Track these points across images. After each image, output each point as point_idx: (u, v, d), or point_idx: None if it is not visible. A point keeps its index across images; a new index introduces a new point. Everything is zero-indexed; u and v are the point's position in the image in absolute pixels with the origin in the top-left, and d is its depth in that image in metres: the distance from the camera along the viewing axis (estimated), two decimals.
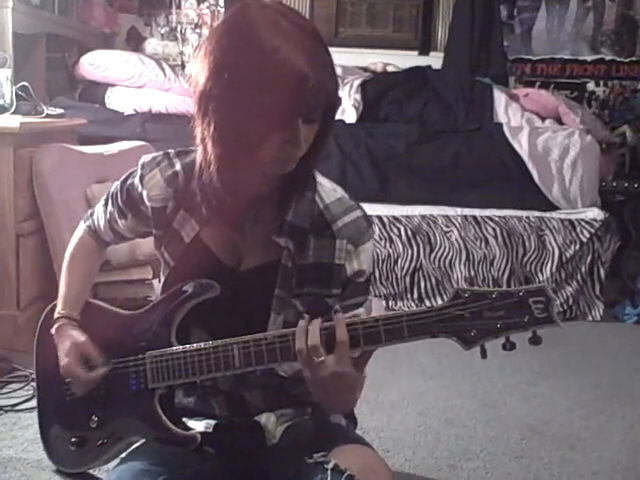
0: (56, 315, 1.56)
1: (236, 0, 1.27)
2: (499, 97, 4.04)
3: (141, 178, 1.42)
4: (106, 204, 1.54)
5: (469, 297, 1.15)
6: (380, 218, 3.48)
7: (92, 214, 1.59)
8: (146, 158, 1.44)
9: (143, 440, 1.45)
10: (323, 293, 1.35)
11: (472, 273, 3.50)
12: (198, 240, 1.37)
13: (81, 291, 1.59)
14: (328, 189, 1.38)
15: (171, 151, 1.43)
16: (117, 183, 1.50)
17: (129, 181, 1.46)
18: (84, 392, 1.48)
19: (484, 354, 1.16)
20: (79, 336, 1.49)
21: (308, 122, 1.19)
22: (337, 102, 1.26)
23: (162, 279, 1.44)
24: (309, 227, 1.33)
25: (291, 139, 1.17)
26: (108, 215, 1.54)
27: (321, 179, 1.39)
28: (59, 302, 1.58)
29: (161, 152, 1.44)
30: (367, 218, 1.39)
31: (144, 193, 1.41)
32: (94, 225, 1.59)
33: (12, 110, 2.91)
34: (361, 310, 1.35)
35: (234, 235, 1.35)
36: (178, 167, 1.39)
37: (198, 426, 1.41)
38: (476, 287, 1.17)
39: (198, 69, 1.20)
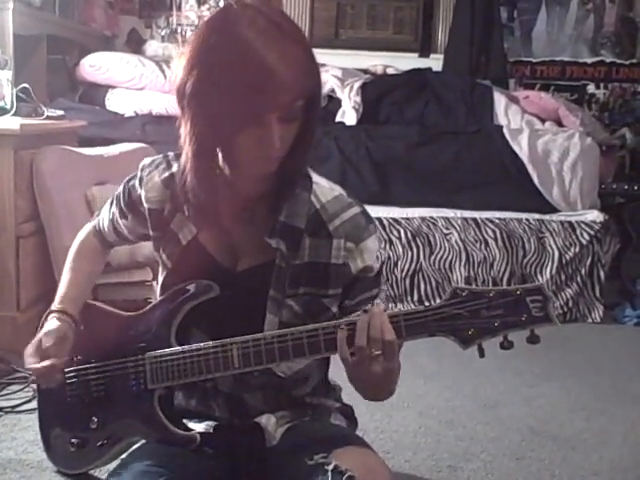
0: (50, 309, 1.54)
1: None
2: (499, 99, 4.05)
3: (140, 180, 1.44)
4: (111, 205, 1.55)
5: (466, 296, 1.16)
6: (380, 220, 3.48)
7: (99, 214, 1.61)
8: (146, 160, 1.45)
9: (143, 441, 1.45)
10: (319, 293, 1.34)
11: (472, 275, 3.51)
12: (195, 242, 1.38)
13: (81, 289, 1.59)
14: (325, 188, 1.37)
15: (171, 153, 1.43)
16: (122, 184, 1.51)
17: (131, 182, 1.48)
18: (46, 385, 1.50)
19: (482, 353, 1.17)
20: (51, 325, 1.48)
21: (285, 121, 1.17)
22: (319, 101, 1.25)
23: (160, 281, 1.45)
24: (304, 227, 1.32)
25: (264, 137, 1.16)
26: (112, 215, 1.55)
27: (318, 179, 1.37)
28: (56, 298, 1.56)
29: (161, 155, 1.45)
30: (366, 214, 1.37)
31: (142, 195, 1.42)
32: (99, 225, 1.60)
33: (12, 112, 2.91)
34: (378, 301, 1.35)
35: (228, 237, 1.36)
36: (175, 169, 1.40)
37: (198, 427, 1.41)
38: (474, 286, 1.17)
39: (176, 68, 1.21)
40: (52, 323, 1.50)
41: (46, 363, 1.43)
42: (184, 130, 1.23)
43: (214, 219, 1.33)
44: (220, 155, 1.24)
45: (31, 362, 1.45)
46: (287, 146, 1.21)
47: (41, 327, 1.66)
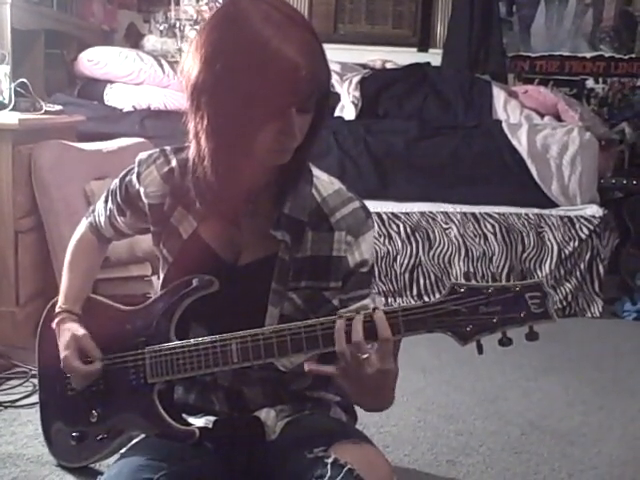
0: (57, 309, 1.57)
1: None
2: (498, 94, 4.05)
3: (138, 175, 1.43)
4: (106, 201, 1.54)
5: (465, 292, 1.15)
6: (379, 215, 3.48)
7: (93, 210, 1.60)
8: (142, 155, 1.44)
9: (143, 435, 1.46)
10: (321, 286, 1.35)
11: (471, 270, 3.51)
12: (196, 236, 1.37)
13: (83, 286, 1.60)
14: (325, 182, 1.38)
15: (167, 148, 1.43)
16: (116, 180, 1.51)
17: (127, 178, 1.47)
18: (83, 386, 1.49)
19: (480, 350, 1.17)
20: (78, 329, 1.50)
21: (302, 112, 1.18)
22: (329, 92, 1.25)
23: (161, 275, 1.44)
24: (307, 220, 1.33)
25: (285, 129, 1.17)
26: (108, 212, 1.54)
27: (318, 172, 1.39)
28: (60, 297, 1.59)
29: (157, 149, 1.44)
30: (365, 209, 1.38)
31: (141, 190, 1.42)
32: (95, 221, 1.59)
33: (11, 107, 2.91)
34: (368, 301, 1.35)
35: (231, 230, 1.36)
36: (174, 163, 1.39)
37: (198, 422, 1.41)
38: (472, 282, 1.17)
39: (190, 63, 1.20)
40: (73, 326, 1.52)
41: (99, 365, 1.46)
42: (199, 126, 1.21)
43: (221, 212, 1.33)
44: (239, 148, 1.23)
45: (78, 365, 1.47)
46: (302, 137, 1.22)
47: (44, 324, 1.67)
